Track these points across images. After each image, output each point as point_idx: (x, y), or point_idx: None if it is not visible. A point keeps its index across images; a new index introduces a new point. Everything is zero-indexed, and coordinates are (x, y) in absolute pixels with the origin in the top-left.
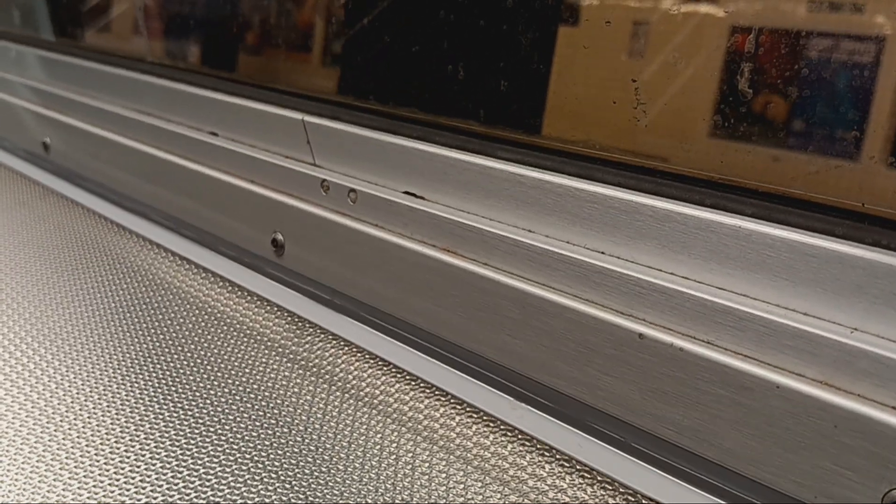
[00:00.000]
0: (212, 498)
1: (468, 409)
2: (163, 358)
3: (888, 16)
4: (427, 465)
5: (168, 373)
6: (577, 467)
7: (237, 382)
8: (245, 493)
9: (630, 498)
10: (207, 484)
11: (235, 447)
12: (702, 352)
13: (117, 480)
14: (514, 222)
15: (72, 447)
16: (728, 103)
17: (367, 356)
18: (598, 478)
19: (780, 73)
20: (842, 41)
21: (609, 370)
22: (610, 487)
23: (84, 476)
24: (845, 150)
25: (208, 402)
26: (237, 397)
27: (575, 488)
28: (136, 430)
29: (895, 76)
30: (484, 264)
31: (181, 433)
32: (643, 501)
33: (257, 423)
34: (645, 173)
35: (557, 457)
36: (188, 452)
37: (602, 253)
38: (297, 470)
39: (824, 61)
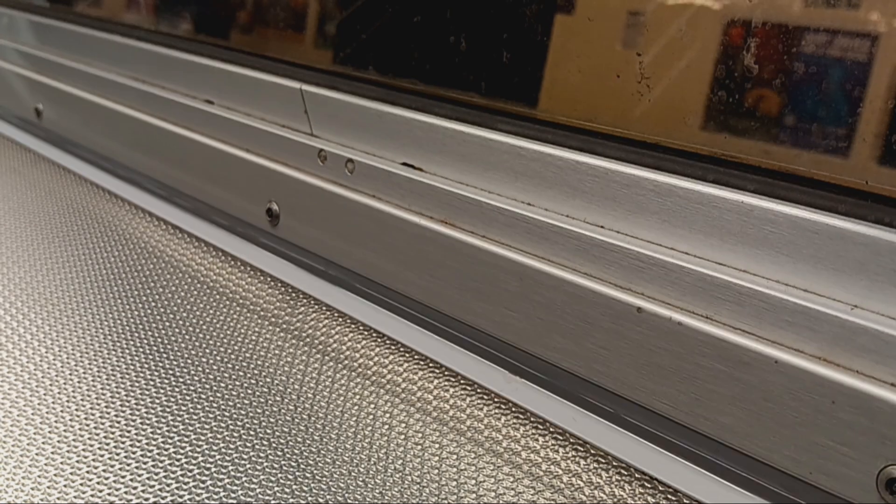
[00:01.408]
0: (203, 465)
1: (462, 381)
2: (154, 326)
3: None
4: (420, 435)
5: (159, 341)
6: (571, 440)
7: (229, 351)
8: (236, 460)
9: (623, 471)
10: (199, 450)
11: (227, 415)
12: (700, 326)
13: (107, 445)
14: (513, 195)
15: (61, 411)
16: (733, 78)
17: (361, 328)
18: (592, 451)
19: (785, 49)
20: (850, 13)
21: (606, 344)
22: (603, 460)
23: (73, 440)
24: (850, 127)
25: (199, 370)
26: (229, 366)
27: (568, 460)
28: (126, 395)
29: None
30: (482, 237)
31: (172, 400)
32: (636, 475)
33: (249, 392)
34: (647, 148)
35: (551, 429)
36: (179, 419)
37: (602, 227)
38: (288, 438)
39: (829, 39)
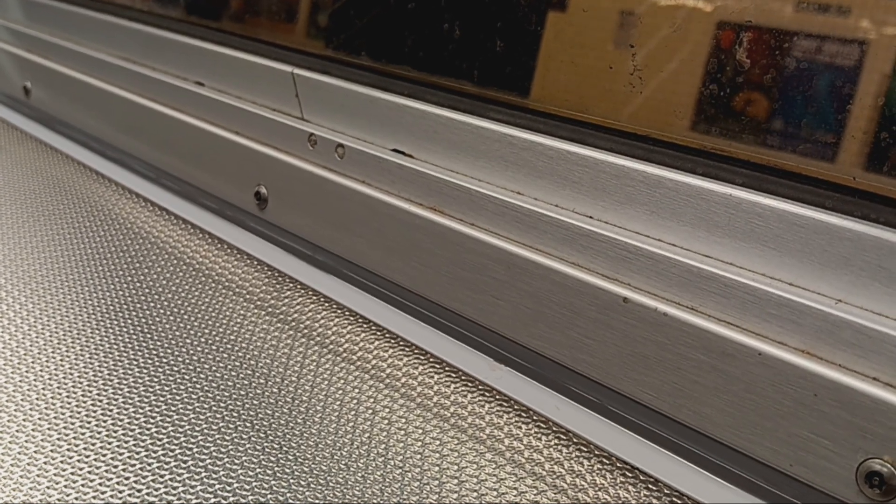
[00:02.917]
0: (185, 445)
1: (447, 368)
2: (139, 307)
3: None
4: (404, 420)
5: (144, 321)
6: (554, 429)
7: (214, 333)
8: (219, 441)
9: (605, 460)
10: (181, 430)
11: (210, 396)
12: (685, 317)
13: (88, 424)
14: (503, 183)
15: (43, 388)
16: (724, 72)
17: (347, 313)
18: (575, 439)
19: (777, 45)
20: (836, 17)
21: (591, 334)
22: (586, 449)
23: (55, 418)
24: (838, 123)
25: (184, 351)
26: (213, 348)
27: (551, 448)
28: (109, 375)
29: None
30: (471, 224)
31: (155, 381)
32: (618, 464)
33: (233, 374)
34: (638, 140)
35: (535, 418)
36: (162, 400)
37: (590, 217)
38: (272, 420)
39: (817, 36)
